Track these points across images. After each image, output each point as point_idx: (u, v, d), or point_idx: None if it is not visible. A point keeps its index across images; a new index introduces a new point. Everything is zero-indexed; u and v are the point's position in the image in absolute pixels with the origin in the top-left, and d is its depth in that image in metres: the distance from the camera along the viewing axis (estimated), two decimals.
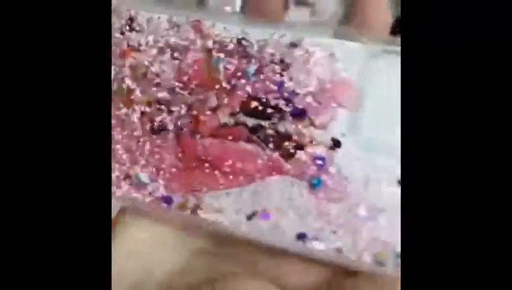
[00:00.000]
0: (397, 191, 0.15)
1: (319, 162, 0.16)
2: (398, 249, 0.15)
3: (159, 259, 0.18)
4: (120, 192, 0.18)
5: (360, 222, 0.15)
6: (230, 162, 0.17)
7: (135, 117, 0.18)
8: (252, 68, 0.16)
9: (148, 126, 0.18)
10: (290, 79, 0.16)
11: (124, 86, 0.18)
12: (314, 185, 0.16)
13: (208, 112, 0.17)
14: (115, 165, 0.18)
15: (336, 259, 0.15)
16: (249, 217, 0.16)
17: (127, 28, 0.18)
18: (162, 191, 0.18)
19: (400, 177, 0.15)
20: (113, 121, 0.18)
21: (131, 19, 0.18)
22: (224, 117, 0.17)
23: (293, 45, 0.16)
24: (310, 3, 0.70)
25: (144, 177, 0.18)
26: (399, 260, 0.15)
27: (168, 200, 0.18)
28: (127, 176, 0.18)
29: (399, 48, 0.15)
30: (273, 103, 0.16)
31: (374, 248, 0.15)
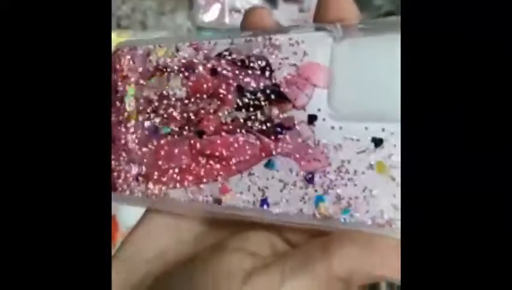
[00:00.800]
0: (372, 150, 0.18)
1: (300, 138, 0.19)
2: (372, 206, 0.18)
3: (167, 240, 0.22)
4: (137, 190, 0.22)
5: (338, 182, 0.18)
6: (231, 152, 0.20)
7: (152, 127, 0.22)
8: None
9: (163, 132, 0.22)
10: (271, 71, 0.19)
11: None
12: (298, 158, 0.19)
13: (211, 115, 0.21)
14: (131, 166, 0.22)
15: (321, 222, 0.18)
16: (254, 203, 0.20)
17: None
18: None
19: (371, 137, 0.18)
20: (132, 130, 0.22)
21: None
22: (223, 116, 0.20)
23: (271, 46, 0.19)
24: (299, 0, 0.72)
25: None
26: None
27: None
28: (140, 175, 0.22)
29: (359, 33, 0.18)
30: (258, 94, 0.20)
31: (353, 206, 0.18)
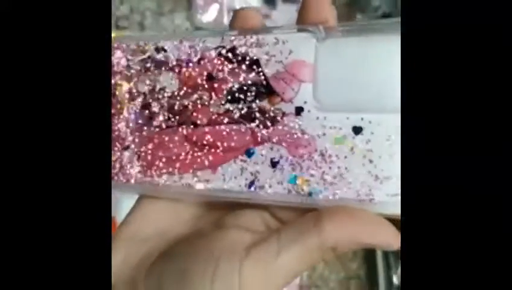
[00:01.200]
0: (353, 137, 0.20)
1: (288, 127, 0.21)
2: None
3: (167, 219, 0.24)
4: (133, 179, 0.24)
5: (323, 165, 0.21)
6: (223, 141, 0.22)
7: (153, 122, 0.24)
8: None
9: (157, 124, 0.24)
10: (259, 67, 0.22)
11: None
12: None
13: (203, 107, 0.23)
14: (125, 155, 0.24)
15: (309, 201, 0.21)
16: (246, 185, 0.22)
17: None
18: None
19: (352, 125, 0.20)
20: (130, 124, 0.24)
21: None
22: (214, 108, 0.22)
23: (258, 45, 0.22)
24: (297, 0, 0.75)
25: None
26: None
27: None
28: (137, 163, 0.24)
29: (339, 34, 0.20)
30: (250, 88, 0.22)
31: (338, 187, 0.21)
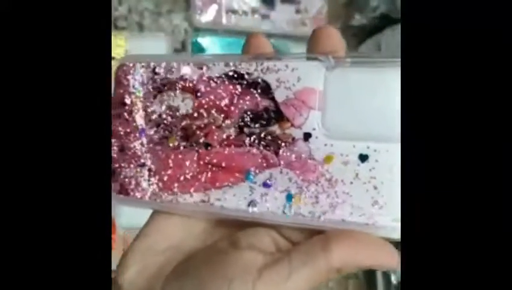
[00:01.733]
0: (358, 164, 0.22)
1: (297, 152, 0.22)
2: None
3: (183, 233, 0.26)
4: (148, 196, 0.25)
5: (328, 190, 0.22)
6: (234, 163, 0.23)
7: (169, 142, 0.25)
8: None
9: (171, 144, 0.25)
10: (271, 92, 0.23)
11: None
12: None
13: (216, 129, 0.24)
14: (141, 172, 0.25)
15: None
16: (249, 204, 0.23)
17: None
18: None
19: (359, 153, 0.22)
20: (149, 145, 0.26)
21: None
22: (227, 130, 0.24)
23: (269, 71, 0.23)
24: (295, 0, 0.76)
25: None
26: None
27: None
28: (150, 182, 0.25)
29: (348, 63, 0.22)
30: (262, 113, 0.23)
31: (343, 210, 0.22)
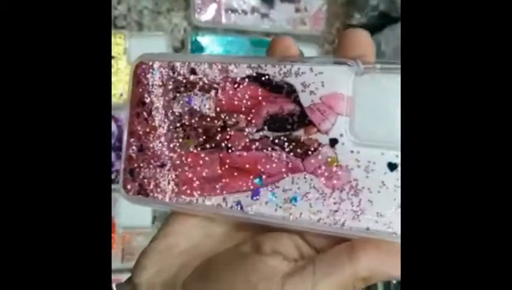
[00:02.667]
0: (385, 172, 0.21)
1: (323, 158, 0.22)
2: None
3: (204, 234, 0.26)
4: (167, 196, 0.25)
5: (353, 198, 0.22)
6: (257, 168, 0.23)
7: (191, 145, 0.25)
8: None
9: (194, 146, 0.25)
10: (296, 96, 0.23)
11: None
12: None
13: (239, 132, 0.24)
14: (161, 173, 0.25)
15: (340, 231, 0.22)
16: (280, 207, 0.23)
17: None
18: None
19: (387, 162, 0.21)
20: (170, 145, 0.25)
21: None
22: (250, 134, 0.23)
23: (296, 74, 0.23)
24: None
25: None
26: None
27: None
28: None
29: (378, 68, 0.21)
30: (287, 118, 0.23)
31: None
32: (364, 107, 0.22)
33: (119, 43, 0.66)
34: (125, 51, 0.66)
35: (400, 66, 0.20)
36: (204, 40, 0.70)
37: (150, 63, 0.26)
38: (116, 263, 0.70)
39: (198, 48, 0.70)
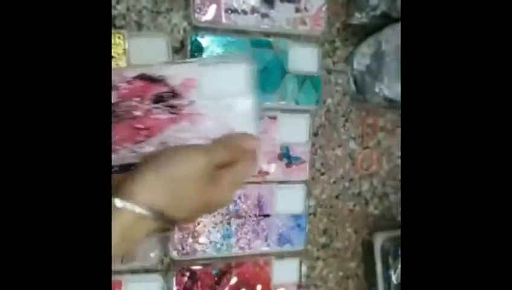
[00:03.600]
0: None
1: None
2: None
3: None
4: None
5: None
6: None
7: None
8: None
9: None
10: None
11: None
12: None
13: None
14: None
15: None
16: None
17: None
18: None
19: None
20: None
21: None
22: None
23: None
24: None
25: None
26: None
27: None
28: None
29: None
30: None
31: None
32: None
33: (118, 43, 0.66)
34: (124, 52, 0.66)
35: None
36: (204, 40, 0.70)
37: None
38: (116, 263, 0.70)
39: (198, 48, 0.70)
